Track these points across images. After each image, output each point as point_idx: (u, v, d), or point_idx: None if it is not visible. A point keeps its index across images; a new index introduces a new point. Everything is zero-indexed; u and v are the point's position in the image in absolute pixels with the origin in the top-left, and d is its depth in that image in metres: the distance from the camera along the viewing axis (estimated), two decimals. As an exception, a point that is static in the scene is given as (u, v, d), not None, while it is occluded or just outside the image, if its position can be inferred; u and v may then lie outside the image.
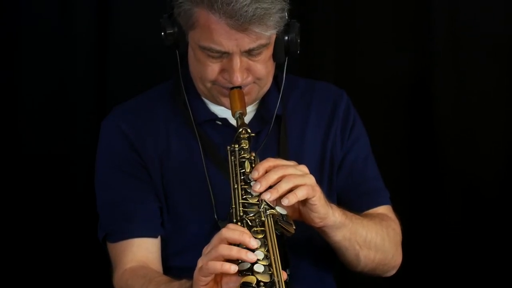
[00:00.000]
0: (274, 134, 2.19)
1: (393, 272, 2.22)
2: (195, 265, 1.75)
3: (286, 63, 2.17)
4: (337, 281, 2.28)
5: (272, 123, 2.18)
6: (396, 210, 2.25)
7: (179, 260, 2.12)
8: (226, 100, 2.12)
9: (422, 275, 2.95)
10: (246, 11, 1.94)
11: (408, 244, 2.24)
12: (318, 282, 2.18)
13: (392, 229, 2.17)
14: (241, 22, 1.95)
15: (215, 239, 1.73)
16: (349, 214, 2.03)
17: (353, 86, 2.55)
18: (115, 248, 2.12)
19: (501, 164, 2.95)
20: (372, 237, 2.08)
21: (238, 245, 1.72)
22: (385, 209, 2.23)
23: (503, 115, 2.94)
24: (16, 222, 2.81)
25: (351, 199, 2.20)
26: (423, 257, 2.93)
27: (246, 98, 2.10)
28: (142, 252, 2.09)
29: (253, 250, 1.71)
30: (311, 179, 1.89)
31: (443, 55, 2.93)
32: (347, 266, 2.14)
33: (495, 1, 2.92)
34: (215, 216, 2.08)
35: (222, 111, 2.19)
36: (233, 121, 2.12)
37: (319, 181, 2.03)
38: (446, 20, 2.91)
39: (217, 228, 1.90)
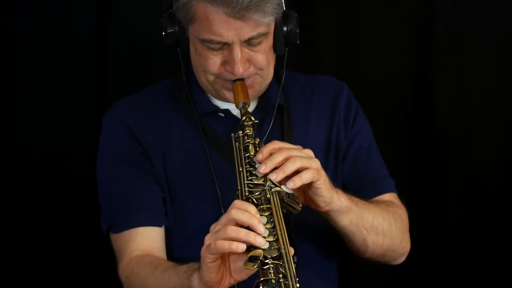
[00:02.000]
0: (278, 124, 2.20)
1: (402, 259, 2.20)
2: (199, 256, 1.74)
3: (286, 55, 2.18)
4: (339, 273, 2.28)
5: (275, 112, 2.18)
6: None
7: (183, 251, 2.11)
8: (229, 94, 2.12)
9: (422, 269, 2.93)
10: None
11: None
12: (323, 270, 2.17)
13: (399, 215, 2.15)
14: (238, 9, 1.97)
15: (223, 218, 1.73)
16: (355, 199, 2.02)
17: (354, 83, 2.54)
18: (119, 238, 2.11)
19: (501, 160, 2.94)
20: (379, 222, 2.06)
21: None
22: (391, 197, 2.23)
23: (502, 111, 2.93)
24: (18, 220, 2.80)
25: (356, 188, 2.18)
26: (423, 252, 2.88)
27: (250, 91, 2.11)
28: (146, 241, 2.08)
29: None
30: (316, 163, 1.89)
31: (443, 51, 2.93)
32: (355, 252, 2.13)
33: (495, 0, 2.94)
34: (221, 207, 2.06)
35: (224, 103, 2.19)
36: (235, 112, 2.13)
37: (325, 169, 2.02)
38: (447, 15, 2.92)
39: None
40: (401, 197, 2.27)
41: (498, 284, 2.92)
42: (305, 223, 2.05)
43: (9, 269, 2.78)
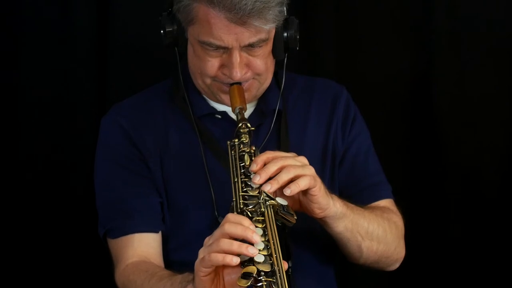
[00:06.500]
0: (275, 129, 2.20)
1: (396, 265, 2.21)
2: (195, 259, 1.75)
3: (285, 60, 2.18)
4: (338, 277, 2.28)
5: (274, 118, 2.19)
6: (397, 206, 2.25)
7: (180, 255, 2.12)
8: (226, 97, 2.13)
9: (421, 272, 2.94)
10: (245, 4, 1.95)
11: (408, 241, 2.23)
12: (319, 275, 2.18)
13: (394, 222, 2.16)
14: (240, 16, 1.97)
15: (217, 232, 1.73)
16: (350, 205, 2.03)
17: (354, 84, 2.57)
18: (116, 244, 2.13)
19: (501, 161, 2.94)
20: (374, 228, 2.07)
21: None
22: (387, 203, 2.23)
23: (503, 111, 2.94)
24: (17, 223, 2.80)
25: (353, 193, 2.19)
26: (423, 254, 2.92)
27: (246, 95, 2.11)
28: (143, 247, 2.09)
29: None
30: (310, 170, 1.89)
31: (443, 52, 2.93)
32: (349, 258, 2.14)
33: (495, 0, 2.93)
34: (215, 211, 2.08)
35: (221, 105, 2.19)
36: (232, 115, 2.13)
37: (321, 175, 2.04)
38: (447, 15, 2.92)
39: (217, 224, 1.90)
40: (401, 198, 2.28)
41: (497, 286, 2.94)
42: (300, 228, 2.03)
43: (9, 271, 2.79)
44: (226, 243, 1.69)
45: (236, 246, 1.69)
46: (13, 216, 2.80)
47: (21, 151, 2.81)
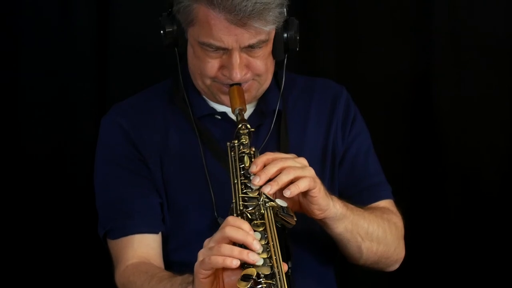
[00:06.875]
0: (275, 130, 2.20)
1: (396, 266, 2.21)
2: (195, 260, 1.75)
3: (285, 61, 2.19)
4: (338, 278, 2.28)
5: (274, 118, 2.19)
6: (397, 206, 2.25)
7: (180, 255, 2.12)
8: (225, 98, 2.13)
9: (421, 272, 2.95)
10: (245, 5, 1.96)
11: (408, 241, 2.23)
12: (319, 275, 2.18)
13: (394, 223, 2.16)
14: (240, 17, 1.97)
15: (217, 235, 1.73)
16: (350, 206, 2.03)
17: (354, 84, 2.57)
18: (116, 245, 2.13)
19: (501, 161, 2.94)
20: (374, 229, 2.07)
21: None
22: (387, 203, 2.23)
23: (502, 111, 2.94)
24: (17, 223, 2.81)
25: (352, 194, 2.19)
26: (423, 254, 2.92)
27: (246, 96, 2.11)
28: (143, 248, 2.09)
29: None
30: (310, 171, 1.89)
31: (443, 52, 2.93)
32: (349, 259, 2.14)
33: (495, 0, 2.93)
34: (215, 211, 2.08)
35: (221, 106, 2.20)
36: (232, 115, 2.13)
37: (321, 175, 2.05)
38: (447, 16, 2.92)
39: (217, 224, 1.90)
40: (401, 198, 2.28)
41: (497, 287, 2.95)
42: (300, 229, 2.03)
43: (9, 271, 2.79)
44: (227, 249, 1.69)
45: (237, 252, 1.68)
46: (13, 216, 2.80)
47: (21, 151, 2.81)
